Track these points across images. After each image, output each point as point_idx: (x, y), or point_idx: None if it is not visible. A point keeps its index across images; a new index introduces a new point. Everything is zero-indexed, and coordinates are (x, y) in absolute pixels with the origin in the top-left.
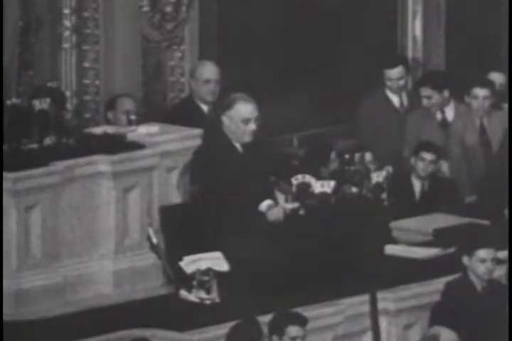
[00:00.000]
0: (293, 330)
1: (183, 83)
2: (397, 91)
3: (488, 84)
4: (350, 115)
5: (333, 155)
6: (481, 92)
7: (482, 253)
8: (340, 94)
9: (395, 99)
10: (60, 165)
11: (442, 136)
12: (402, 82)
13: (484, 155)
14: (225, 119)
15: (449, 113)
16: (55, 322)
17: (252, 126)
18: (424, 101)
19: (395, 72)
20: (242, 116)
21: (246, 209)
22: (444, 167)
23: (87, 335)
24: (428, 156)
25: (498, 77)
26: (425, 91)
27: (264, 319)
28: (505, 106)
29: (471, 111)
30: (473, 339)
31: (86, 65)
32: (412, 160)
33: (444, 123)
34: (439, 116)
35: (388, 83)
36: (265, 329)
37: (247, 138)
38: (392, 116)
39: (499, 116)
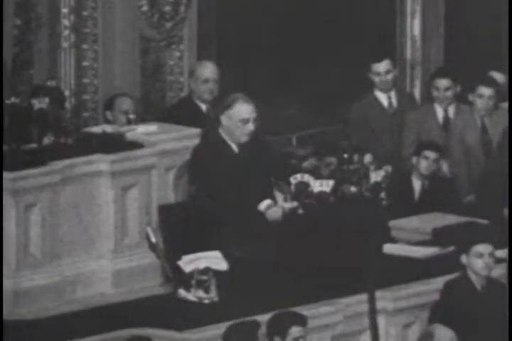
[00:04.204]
0: (296, 331)
1: (182, 82)
2: (386, 90)
3: (494, 83)
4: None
5: (330, 159)
6: (486, 91)
7: (479, 247)
8: (340, 94)
9: (383, 99)
10: (59, 164)
11: (443, 134)
12: (390, 77)
13: (485, 155)
14: (224, 119)
15: (451, 112)
16: (55, 321)
17: (251, 127)
18: (441, 94)
19: (383, 66)
20: (240, 115)
21: (245, 208)
22: (444, 166)
23: (86, 334)
24: (431, 155)
25: (497, 77)
26: (445, 83)
27: (263, 318)
28: (504, 105)
29: (472, 110)
30: (473, 338)
31: (85, 64)
32: (414, 159)
33: (447, 122)
34: (441, 114)
35: (376, 79)
36: (264, 329)
37: (244, 138)
38: (382, 116)
39: (500, 116)
